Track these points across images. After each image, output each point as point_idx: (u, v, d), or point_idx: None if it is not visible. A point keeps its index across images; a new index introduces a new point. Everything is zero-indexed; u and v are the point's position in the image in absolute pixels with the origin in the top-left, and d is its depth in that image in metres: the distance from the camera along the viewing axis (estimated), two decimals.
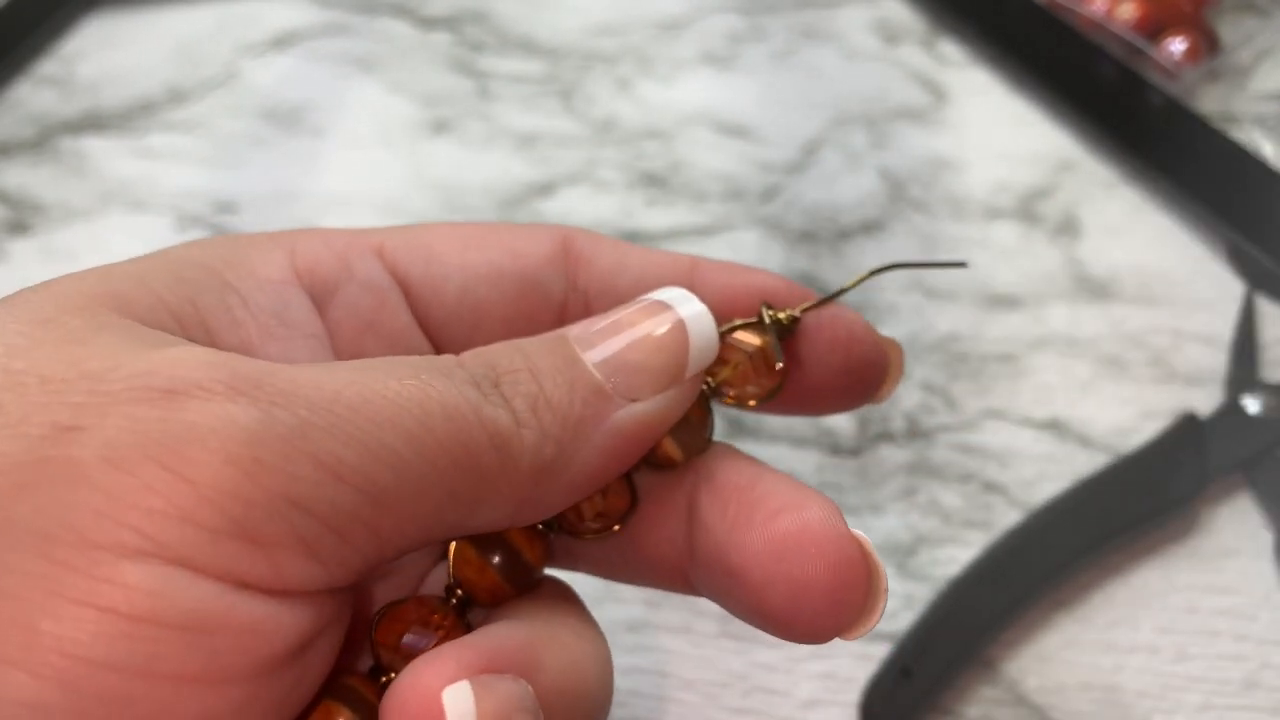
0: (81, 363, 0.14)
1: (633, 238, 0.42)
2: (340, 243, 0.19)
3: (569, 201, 0.44)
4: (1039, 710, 0.29)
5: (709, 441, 0.19)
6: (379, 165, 0.46)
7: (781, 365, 0.19)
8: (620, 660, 0.30)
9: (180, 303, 0.17)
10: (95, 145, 0.47)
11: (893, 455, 0.35)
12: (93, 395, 0.14)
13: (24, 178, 0.46)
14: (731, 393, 0.19)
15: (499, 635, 0.16)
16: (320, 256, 0.19)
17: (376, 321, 0.19)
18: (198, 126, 0.48)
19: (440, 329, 0.20)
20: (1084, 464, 0.34)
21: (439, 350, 0.20)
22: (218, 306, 0.17)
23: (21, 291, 0.16)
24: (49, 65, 0.51)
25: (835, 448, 0.35)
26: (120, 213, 0.44)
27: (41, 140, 0.48)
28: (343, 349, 0.19)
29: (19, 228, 0.44)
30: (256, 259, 0.18)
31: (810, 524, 0.16)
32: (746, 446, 0.35)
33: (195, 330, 0.17)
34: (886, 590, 0.16)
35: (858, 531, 0.17)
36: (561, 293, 0.20)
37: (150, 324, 0.16)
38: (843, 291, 0.20)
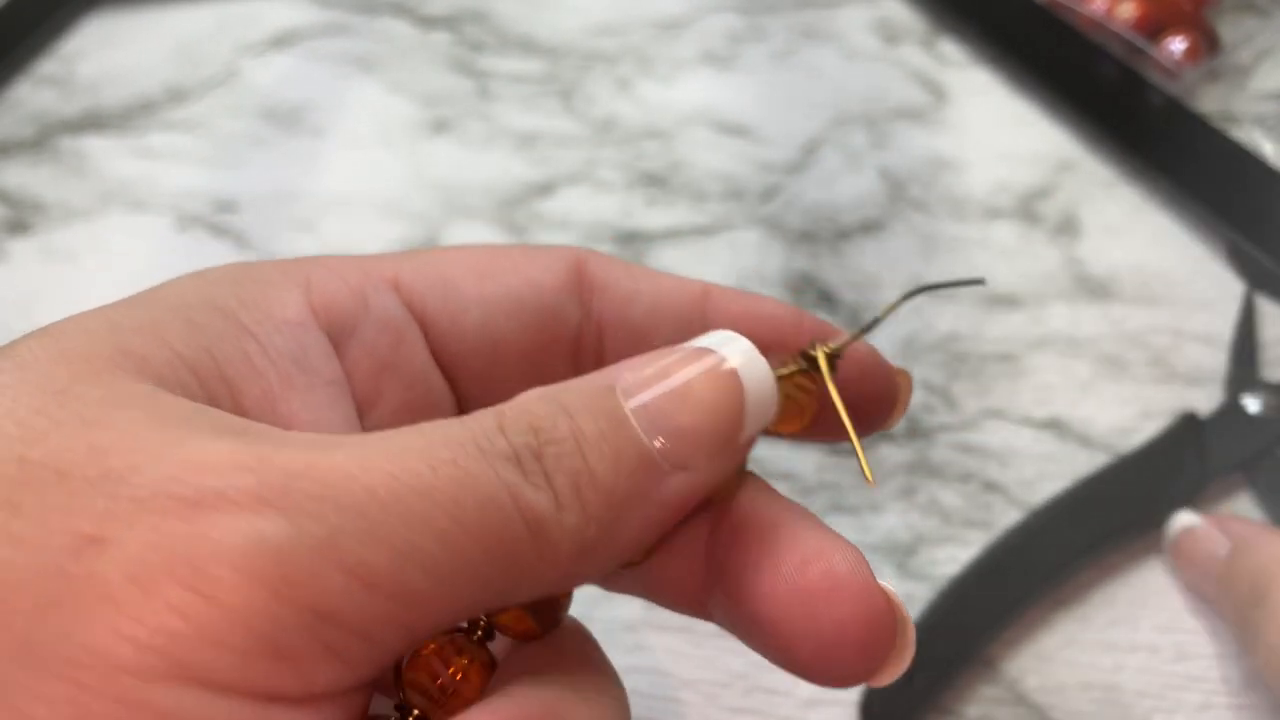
0: (103, 457, 0.13)
1: (632, 237, 0.42)
2: (354, 276, 0.19)
3: (569, 201, 0.44)
4: (1039, 710, 0.29)
5: (741, 477, 0.18)
6: (379, 165, 0.46)
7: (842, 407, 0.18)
8: (620, 660, 0.30)
9: (197, 354, 0.16)
10: (95, 145, 0.47)
11: (892, 454, 0.35)
12: (116, 500, 0.13)
13: (24, 177, 0.46)
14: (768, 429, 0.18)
15: (525, 700, 0.15)
16: (336, 293, 0.18)
17: (394, 362, 0.19)
18: (198, 126, 0.48)
19: (457, 362, 0.19)
20: (1084, 464, 0.34)
21: (456, 387, 0.20)
22: (236, 355, 0.17)
23: (27, 344, 0.15)
24: (49, 65, 0.51)
25: (835, 446, 0.35)
26: (120, 212, 0.44)
27: (41, 140, 0.48)
28: (360, 390, 0.19)
29: (19, 227, 0.44)
30: (272, 298, 0.18)
31: (840, 577, 0.16)
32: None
33: (215, 384, 0.16)
34: (914, 639, 0.16)
35: (885, 582, 0.16)
36: (577, 320, 0.20)
37: (169, 383, 0.15)
38: (876, 323, 0.19)
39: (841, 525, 0.33)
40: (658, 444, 0.16)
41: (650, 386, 0.16)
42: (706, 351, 0.16)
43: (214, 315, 0.17)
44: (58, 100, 0.49)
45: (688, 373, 0.16)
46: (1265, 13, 0.49)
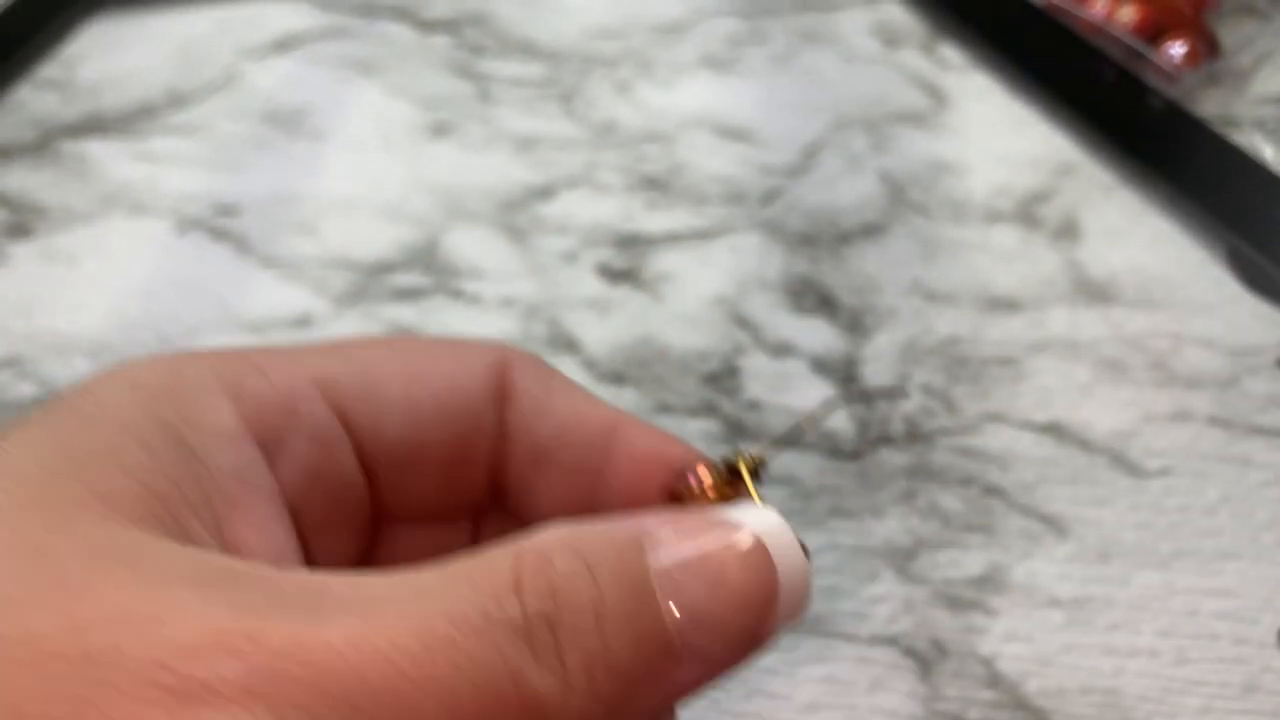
0: (84, 635, 0.13)
1: (633, 241, 0.42)
2: (281, 378, 0.18)
3: (569, 204, 0.44)
4: (1039, 713, 0.29)
5: None
6: (379, 168, 0.46)
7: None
8: None
9: (159, 483, 0.16)
10: (96, 148, 0.47)
11: (893, 458, 0.35)
12: (99, 687, 0.13)
13: (25, 181, 0.46)
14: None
15: None
16: (265, 401, 0.18)
17: (322, 473, 0.19)
18: (198, 130, 0.48)
19: (376, 461, 0.19)
20: (1084, 467, 0.34)
21: (372, 483, 0.19)
22: (189, 479, 0.16)
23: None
24: (50, 69, 0.51)
25: (835, 451, 0.35)
26: (121, 216, 0.44)
27: (42, 143, 0.48)
28: (289, 501, 0.18)
29: (20, 231, 0.44)
30: (208, 409, 0.17)
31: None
32: (746, 447, 0.35)
33: (181, 512, 0.16)
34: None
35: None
36: (494, 425, 0.20)
37: (142, 522, 0.15)
38: (796, 433, 0.19)
39: (842, 529, 0.33)
40: (678, 622, 0.15)
41: (683, 557, 0.15)
42: (746, 532, 0.16)
43: (163, 435, 0.16)
44: (59, 104, 0.50)
45: (724, 555, 0.15)
46: (1265, 17, 0.49)
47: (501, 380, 0.20)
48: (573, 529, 0.15)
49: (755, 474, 0.18)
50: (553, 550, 0.15)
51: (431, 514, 0.20)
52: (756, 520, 0.16)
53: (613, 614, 0.14)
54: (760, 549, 0.16)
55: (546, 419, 0.20)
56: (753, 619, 0.16)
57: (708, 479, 0.18)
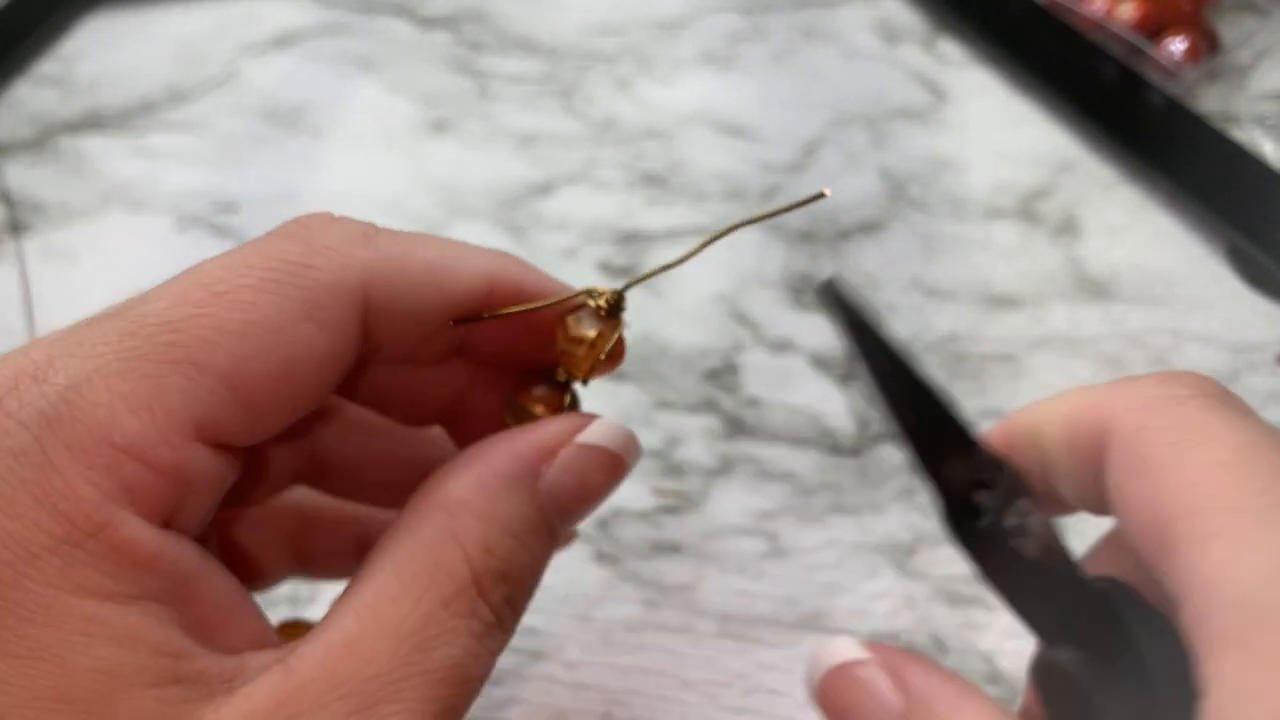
0: None
1: (632, 237, 0.42)
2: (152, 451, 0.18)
3: (569, 201, 0.44)
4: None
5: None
6: (379, 165, 0.46)
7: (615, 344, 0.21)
8: (620, 660, 0.30)
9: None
10: (95, 145, 0.47)
11: (892, 455, 0.35)
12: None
13: (24, 177, 0.46)
14: (580, 374, 0.21)
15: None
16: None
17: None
18: (197, 126, 0.48)
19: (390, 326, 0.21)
20: None
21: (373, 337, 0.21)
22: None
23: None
24: (49, 65, 0.51)
25: (835, 447, 0.35)
26: (120, 212, 0.44)
27: (41, 140, 0.48)
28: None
29: (19, 227, 0.44)
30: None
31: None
32: (746, 446, 0.35)
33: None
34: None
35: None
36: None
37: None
38: (678, 263, 0.20)
39: (842, 526, 0.33)
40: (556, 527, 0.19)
41: (566, 486, 0.19)
42: (611, 453, 0.20)
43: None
44: (58, 100, 0.49)
45: (599, 478, 0.20)
46: (1265, 12, 0.49)
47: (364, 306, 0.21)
48: (485, 496, 0.18)
49: (618, 306, 0.21)
50: (486, 535, 0.18)
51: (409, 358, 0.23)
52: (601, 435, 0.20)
53: (532, 564, 0.18)
54: (621, 460, 0.20)
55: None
56: (602, 500, 0.20)
57: (602, 301, 0.21)
